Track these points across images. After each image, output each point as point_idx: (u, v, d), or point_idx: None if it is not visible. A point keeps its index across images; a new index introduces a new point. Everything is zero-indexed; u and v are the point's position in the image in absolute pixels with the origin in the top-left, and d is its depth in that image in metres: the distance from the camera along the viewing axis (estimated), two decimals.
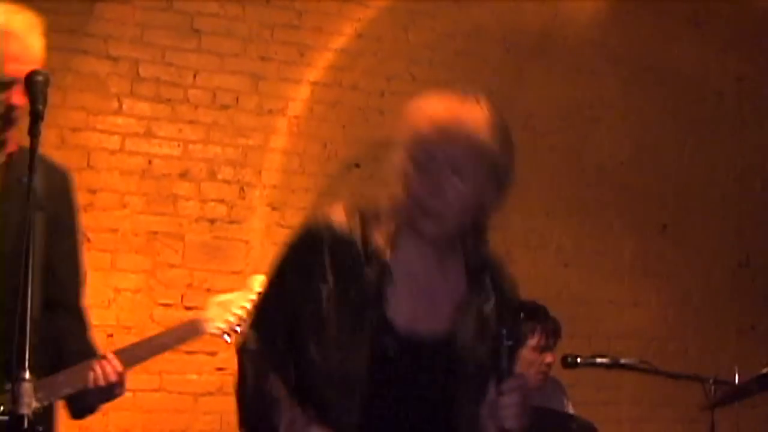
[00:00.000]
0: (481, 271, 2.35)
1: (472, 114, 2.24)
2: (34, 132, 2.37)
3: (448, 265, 2.33)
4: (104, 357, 2.82)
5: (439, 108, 2.24)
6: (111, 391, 2.82)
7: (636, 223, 6.12)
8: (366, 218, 2.30)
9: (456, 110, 2.23)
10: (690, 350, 6.02)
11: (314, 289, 2.24)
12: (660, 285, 6.12)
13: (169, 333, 3.17)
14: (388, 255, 2.26)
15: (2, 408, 2.54)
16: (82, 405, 2.86)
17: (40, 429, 2.07)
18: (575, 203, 5.99)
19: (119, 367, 2.80)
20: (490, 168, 2.26)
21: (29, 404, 2.02)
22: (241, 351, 2.35)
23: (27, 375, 2.05)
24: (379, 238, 2.27)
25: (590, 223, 6.00)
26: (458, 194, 2.23)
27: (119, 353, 2.86)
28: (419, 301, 2.28)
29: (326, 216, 2.30)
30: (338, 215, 2.30)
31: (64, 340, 2.87)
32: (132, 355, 2.90)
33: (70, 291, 2.93)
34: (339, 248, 2.25)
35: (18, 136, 2.76)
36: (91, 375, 2.77)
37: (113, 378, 2.80)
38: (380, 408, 2.24)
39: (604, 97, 6.12)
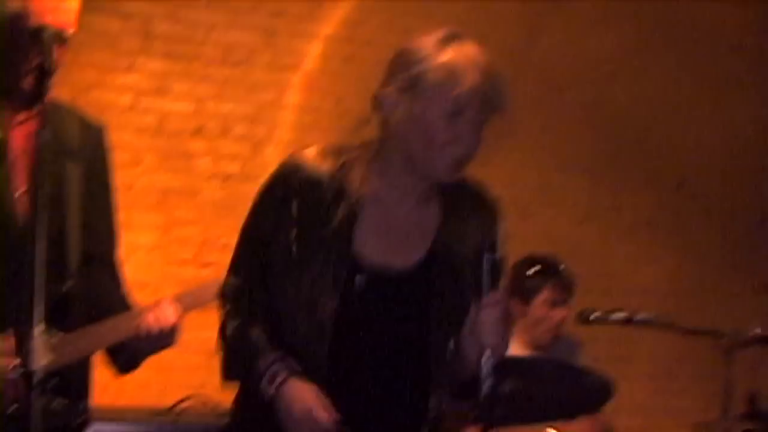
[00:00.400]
0: (457, 202, 2.34)
1: (484, 57, 2.26)
2: (42, 88, 2.36)
3: (425, 202, 2.33)
4: (157, 303, 2.75)
5: (455, 54, 2.23)
6: (163, 339, 2.75)
7: (653, 179, 6.07)
8: (341, 157, 2.30)
9: (469, 54, 2.24)
10: (707, 307, 5.97)
11: (283, 230, 2.25)
12: (677, 241, 6.08)
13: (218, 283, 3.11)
14: (358, 193, 2.26)
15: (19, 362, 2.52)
16: (129, 357, 2.82)
17: (53, 382, 2.06)
18: (591, 159, 5.94)
19: (174, 314, 2.74)
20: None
21: (40, 360, 2.00)
22: (222, 297, 2.37)
23: (39, 330, 2.03)
24: (352, 177, 2.28)
25: (606, 178, 5.95)
26: (480, 139, 2.25)
27: (178, 298, 2.77)
28: (391, 238, 2.28)
29: (297, 157, 2.31)
30: (310, 155, 2.30)
31: (100, 297, 2.84)
32: (185, 303, 2.79)
33: (105, 245, 2.90)
34: (306, 188, 2.26)
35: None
36: (145, 321, 2.71)
37: (168, 323, 2.73)
38: (350, 345, 2.24)
39: (621, 51, 6.05)
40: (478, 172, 6.44)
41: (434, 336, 2.27)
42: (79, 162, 2.80)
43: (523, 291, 4.23)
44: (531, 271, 4.25)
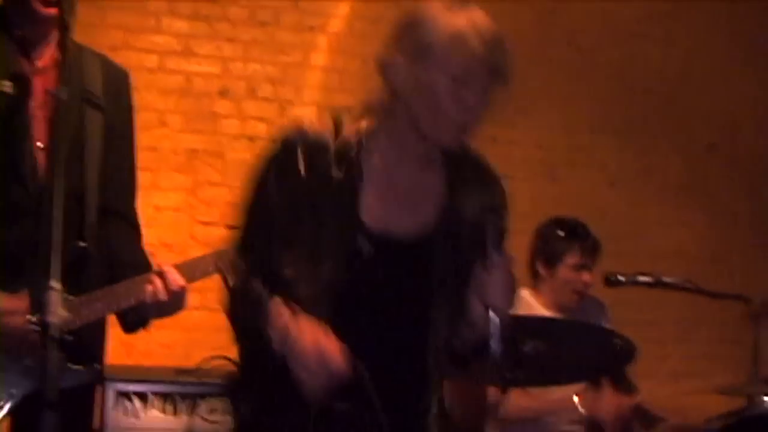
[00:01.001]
0: (461, 170, 2.34)
1: (490, 25, 2.23)
2: (63, 44, 2.34)
3: (429, 168, 2.32)
4: (164, 270, 2.74)
5: (462, 20, 2.20)
6: (172, 305, 2.75)
7: (683, 142, 6.01)
8: (342, 123, 2.29)
9: (476, 21, 2.21)
10: (736, 271, 5.93)
11: (290, 193, 2.24)
12: (706, 204, 6.02)
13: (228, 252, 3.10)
14: (361, 158, 2.25)
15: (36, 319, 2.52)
16: (137, 318, 2.81)
17: (70, 338, 2.06)
18: (621, 121, 5.88)
19: (181, 281, 2.73)
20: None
21: (57, 312, 2.00)
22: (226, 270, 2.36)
23: (55, 283, 2.03)
24: (355, 142, 2.26)
25: (636, 141, 5.90)
26: (486, 106, 2.23)
27: (180, 267, 2.77)
28: (396, 203, 2.27)
29: (300, 123, 2.30)
30: (313, 121, 2.29)
31: (118, 249, 2.83)
32: (193, 270, 2.79)
33: (124, 197, 2.89)
34: (312, 153, 2.24)
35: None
36: (150, 288, 2.71)
37: (176, 290, 2.72)
38: (355, 309, 2.23)
39: (651, 12, 5.97)
40: (507, 134, 6.40)
41: (435, 301, 2.26)
42: (101, 109, 2.78)
43: (549, 254, 4.20)
44: (558, 235, 4.22)
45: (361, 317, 2.24)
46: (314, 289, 2.20)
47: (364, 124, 2.28)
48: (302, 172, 2.23)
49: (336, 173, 2.23)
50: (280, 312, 2.18)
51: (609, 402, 4.02)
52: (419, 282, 2.27)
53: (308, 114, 2.29)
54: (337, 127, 2.28)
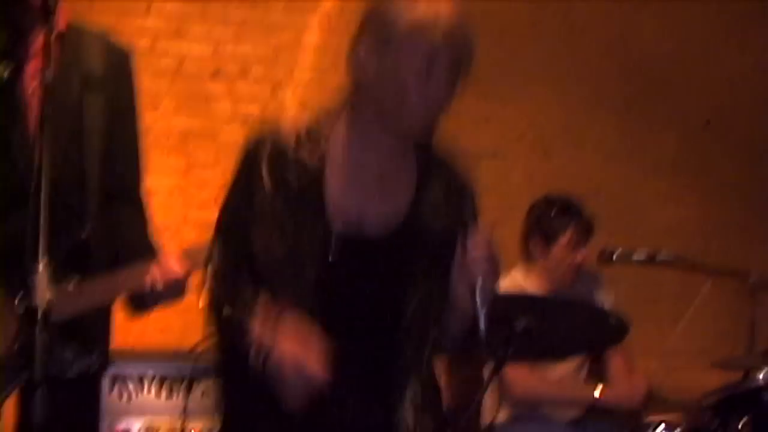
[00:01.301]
0: (432, 168, 2.34)
1: (454, 14, 2.21)
2: (48, 27, 2.31)
3: (400, 162, 2.32)
4: (163, 258, 2.73)
5: (422, 11, 2.19)
6: (170, 293, 2.74)
7: (679, 118, 5.98)
8: (311, 123, 2.29)
9: (437, 11, 2.20)
10: (732, 247, 5.92)
11: (258, 202, 2.24)
12: (703, 180, 6.01)
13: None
14: (331, 154, 2.25)
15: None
16: (138, 304, 2.82)
17: (55, 318, 2.05)
18: (615, 98, 5.85)
19: (177, 270, 2.71)
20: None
21: (43, 297, 1.99)
22: (207, 271, 2.35)
23: (41, 267, 2.01)
24: (325, 139, 2.26)
25: (631, 117, 5.88)
26: (451, 96, 2.23)
27: (186, 253, 2.76)
28: (366, 198, 2.27)
29: (266, 127, 2.30)
30: (279, 124, 2.30)
31: (123, 234, 2.82)
32: (198, 256, 2.72)
33: (130, 180, 2.88)
34: (277, 157, 2.24)
35: (68, 11, 2.71)
36: (149, 276, 2.69)
37: (173, 278, 2.71)
38: (333, 307, 2.22)
39: None
40: (500, 112, 6.35)
41: (409, 300, 2.26)
42: (102, 92, 2.75)
43: (544, 233, 4.20)
44: (553, 213, 4.21)
45: (335, 315, 2.22)
46: (293, 290, 2.20)
47: (334, 120, 2.28)
48: (266, 178, 2.23)
49: (305, 178, 2.23)
50: (267, 317, 2.17)
51: (624, 391, 4.04)
52: (389, 280, 2.26)
53: (278, 118, 2.29)
54: (307, 130, 2.28)
